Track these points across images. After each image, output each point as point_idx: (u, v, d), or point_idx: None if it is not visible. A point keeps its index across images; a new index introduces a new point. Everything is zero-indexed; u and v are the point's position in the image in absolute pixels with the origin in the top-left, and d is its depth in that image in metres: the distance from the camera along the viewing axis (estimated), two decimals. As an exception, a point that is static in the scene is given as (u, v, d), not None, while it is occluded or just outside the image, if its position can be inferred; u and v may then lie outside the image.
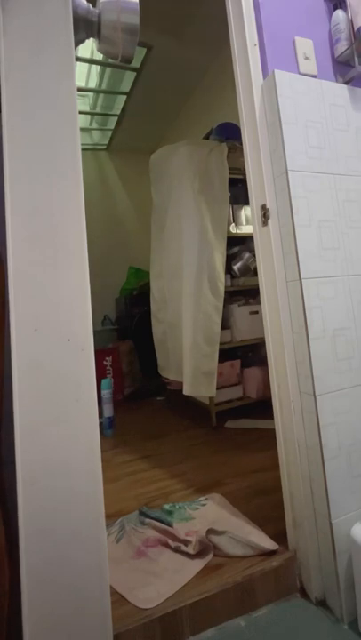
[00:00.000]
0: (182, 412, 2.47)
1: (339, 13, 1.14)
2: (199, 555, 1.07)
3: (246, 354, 2.42)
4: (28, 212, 0.67)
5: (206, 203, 2.01)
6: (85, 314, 0.70)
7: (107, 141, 3.69)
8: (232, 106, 1.25)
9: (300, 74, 1.08)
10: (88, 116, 3.33)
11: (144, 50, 2.48)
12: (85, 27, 0.83)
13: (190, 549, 1.07)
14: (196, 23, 2.29)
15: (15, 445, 0.63)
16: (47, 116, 0.70)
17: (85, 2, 0.83)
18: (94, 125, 3.50)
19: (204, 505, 1.34)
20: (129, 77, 2.78)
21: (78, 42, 0.83)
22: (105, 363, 2.84)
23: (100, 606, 0.66)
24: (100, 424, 1.81)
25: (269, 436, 1.18)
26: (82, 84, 2.78)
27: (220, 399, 2.17)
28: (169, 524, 1.21)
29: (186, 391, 2.05)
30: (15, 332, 0.64)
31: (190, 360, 2.01)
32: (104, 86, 2.86)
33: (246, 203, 2.13)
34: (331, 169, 1.07)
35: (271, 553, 1.05)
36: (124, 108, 3.15)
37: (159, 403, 2.83)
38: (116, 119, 3.33)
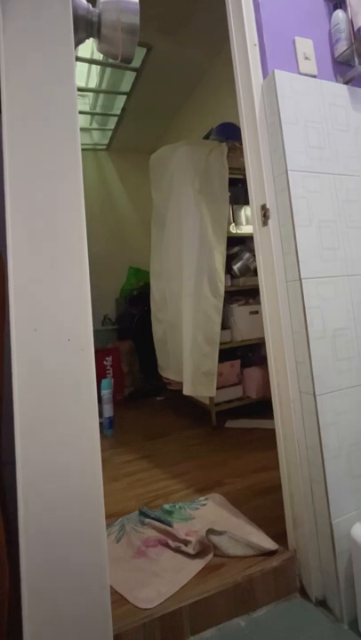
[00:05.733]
0: (182, 412, 2.47)
1: (339, 13, 1.13)
2: (199, 555, 1.07)
3: (246, 354, 2.42)
4: (28, 212, 0.67)
5: (206, 202, 2.01)
6: (85, 314, 0.70)
7: (107, 141, 3.69)
8: (232, 106, 1.25)
9: (300, 74, 1.09)
10: (88, 116, 3.33)
11: (144, 50, 2.48)
12: (85, 27, 0.83)
13: (190, 549, 1.07)
14: (196, 23, 2.29)
15: (15, 445, 0.63)
16: (47, 115, 0.70)
17: (85, 2, 0.83)
18: (94, 125, 3.50)
19: (204, 505, 1.34)
20: (129, 77, 2.78)
21: (78, 42, 0.83)
22: (105, 363, 2.84)
23: (100, 606, 0.66)
24: (100, 424, 1.81)
25: (269, 436, 1.18)
26: (82, 84, 2.78)
27: (220, 399, 2.17)
28: (169, 524, 1.21)
29: (186, 391, 2.05)
30: (15, 331, 0.64)
31: (190, 360, 2.01)
32: (104, 86, 2.86)
33: (246, 203, 2.13)
34: (331, 169, 1.07)
35: (271, 553, 1.05)
36: (124, 108, 3.15)
37: (159, 403, 2.82)
38: (116, 119, 3.33)
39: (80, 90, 2.84)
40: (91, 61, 2.52)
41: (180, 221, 2.10)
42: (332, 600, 0.95)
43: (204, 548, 1.08)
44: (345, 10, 1.13)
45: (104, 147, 3.77)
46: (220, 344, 1.98)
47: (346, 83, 1.14)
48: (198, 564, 1.04)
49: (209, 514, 1.28)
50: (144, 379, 3.08)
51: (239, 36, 1.11)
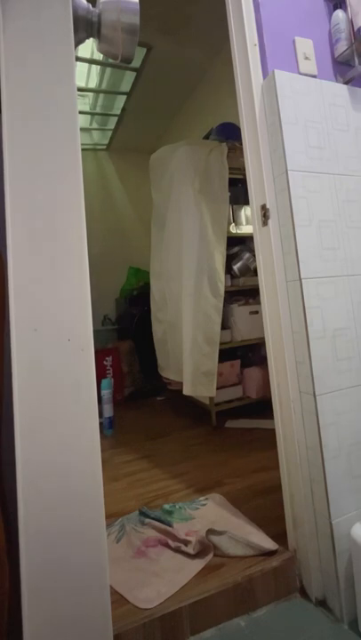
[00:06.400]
0: (182, 412, 2.47)
1: (339, 13, 1.13)
2: (199, 555, 1.07)
3: (246, 354, 2.42)
4: (29, 212, 0.67)
5: (206, 203, 2.01)
6: (85, 314, 0.70)
7: (107, 141, 3.69)
8: (232, 106, 1.25)
9: (300, 74, 1.08)
10: (88, 116, 3.33)
11: (144, 50, 2.48)
12: (85, 27, 0.83)
13: (190, 549, 1.07)
14: (196, 23, 2.29)
15: (15, 445, 0.63)
16: (47, 115, 0.70)
17: (85, 2, 0.83)
18: (94, 125, 3.50)
19: (204, 505, 1.34)
20: (129, 77, 2.78)
21: (78, 42, 0.83)
22: (105, 363, 2.84)
23: (100, 606, 0.66)
24: (100, 424, 1.81)
25: (269, 436, 1.18)
26: (82, 84, 2.78)
27: (220, 399, 2.17)
28: (169, 524, 1.21)
29: (186, 391, 2.05)
30: (15, 331, 0.64)
31: (190, 360, 2.01)
32: (104, 86, 2.86)
33: (246, 203, 2.13)
34: (331, 169, 1.07)
35: (271, 553, 1.05)
36: (124, 108, 3.15)
37: (159, 403, 2.83)
38: (116, 119, 3.33)
39: (80, 90, 2.83)
40: (91, 61, 2.51)
41: (180, 221, 2.10)
42: (332, 600, 0.95)
43: (204, 548, 1.08)
44: (345, 10, 1.13)
45: (104, 147, 3.77)
46: (220, 344, 1.98)
47: (346, 83, 1.14)
48: (198, 564, 1.04)
49: (209, 514, 1.28)
50: (144, 379, 3.08)
51: (239, 36, 1.11)
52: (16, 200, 0.66)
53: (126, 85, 2.87)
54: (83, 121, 3.33)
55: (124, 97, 3.00)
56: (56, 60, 0.71)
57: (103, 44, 0.87)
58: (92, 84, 2.83)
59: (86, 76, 2.72)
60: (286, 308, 1.03)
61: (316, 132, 1.06)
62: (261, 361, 2.24)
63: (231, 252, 2.23)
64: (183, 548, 1.09)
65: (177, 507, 1.33)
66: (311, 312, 0.98)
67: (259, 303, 1.74)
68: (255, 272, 1.38)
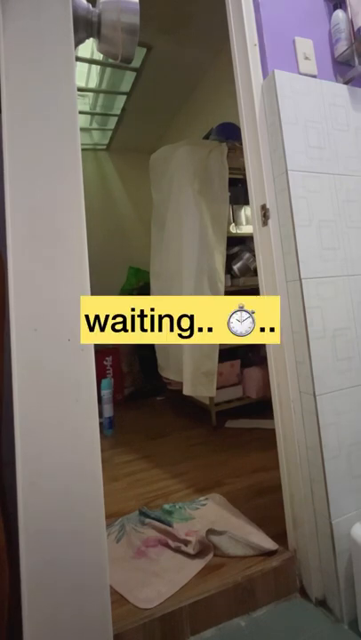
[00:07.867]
0: (182, 412, 2.47)
1: (339, 13, 1.14)
2: (199, 555, 1.07)
3: (246, 354, 2.42)
4: (29, 212, 0.67)
5: (206, 203, 2.01)
6: (85, 314, 0.70)
7: (107, 141, 3.69)
8: (232, 106, 1.25)
9: (300, 74, 1.08)
10: (88, 116, 3.33)
11: (144, 50, 2.48)
12: (85, 27, 0.83)
13: (190, 549, 1.07)
14: (196, 23, 2.29)
15: (15, 445, 0.63)
16: (47, 116, 0.70)
17: (85, 2, 0.83)
18: (94, 125, 3.50)
19: (204, 505, 1.34)
20: (129, 77, 2.78)
21: (78, 42, 0.83)
22: (105, 363, 2.84)
23: (100, 606, 0.66)
24: (100, 424, 1.81)
25: (269, 436, 1.18)
26: (82, 84, 2.78)
27: (220, 399, 2.17)
28: (169, 524, 1.21)
29: (186, 391, 2.05)
30: (15, 331, 0.64)
31: (190, 360, 2.01)
32: (104, 86, 2.86)
33: (246, 203, 2.13)
34: (331, 169, 1.07)
35: (271, 553, 1.05)
36: (124, 108, 3.15)
37: (159, 403, 2.82)
38: (116, 119, 3.33)
39: (80, 90, 2.83)
40: (91, 61, 2.51)
41: (180, 221, 2.10)
42: (332, 600, 0.95)
43: (204, 548, 1.08)
44: (345, 10, 1.13)
45: (104, 147, 3.77)
46: (220, 344, 1.98)
47: (346, 83, 1.14)
48: (198, 564, 1.04)
49: (209, 514, 1.28)
50: (144, 379, 3.08)
51: (239, 36, 1.11)
52: (16, 200, 0.66)
53: (126, 85, 2.87)
54: (83, 121, 3.33)
55: (124, 97, 3.00)
56: (56, 60, 0.71)
57: (103, 44, 0.87)
58: (92, 84, 2.82)
59: (86, 75, 2.72)
60: (286, 308, 1.03)
61: (316, 132, 1.06)
62: (261, 361, 2.23)
63: (231, 252, 2.23)
64: (183, 548, 1.09)
65: (177, 507, 1.33)
66: (311, 312, 0.98)
67: (259, 303, 1.74)
68: (255, 272, 1.38)
